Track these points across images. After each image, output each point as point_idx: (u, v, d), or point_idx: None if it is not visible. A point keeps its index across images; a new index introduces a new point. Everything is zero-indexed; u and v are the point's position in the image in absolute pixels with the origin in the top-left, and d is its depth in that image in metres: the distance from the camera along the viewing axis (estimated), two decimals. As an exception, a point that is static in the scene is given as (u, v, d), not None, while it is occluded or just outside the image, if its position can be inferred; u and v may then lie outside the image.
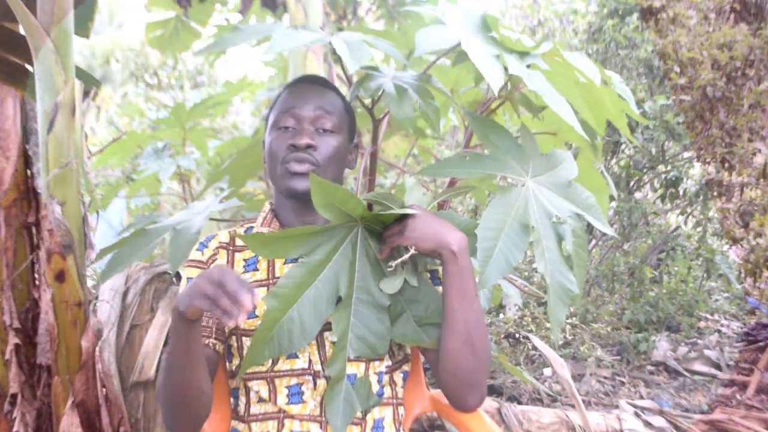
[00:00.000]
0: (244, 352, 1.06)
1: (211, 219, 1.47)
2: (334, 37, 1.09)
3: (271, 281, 1.08)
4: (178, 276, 1.68)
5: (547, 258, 0.99)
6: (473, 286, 0.99)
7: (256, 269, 1.09)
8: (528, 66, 1.05)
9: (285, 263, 1.09)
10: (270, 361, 1.05)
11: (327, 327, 1.03)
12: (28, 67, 1.68)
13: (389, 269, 1.00)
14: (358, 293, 1.00)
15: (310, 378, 1.04)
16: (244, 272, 1.09)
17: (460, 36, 1.05)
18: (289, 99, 1.11)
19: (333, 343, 1.01)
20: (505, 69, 1.03)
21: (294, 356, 1.05)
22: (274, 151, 1.08)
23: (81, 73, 1.69)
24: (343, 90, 1.22)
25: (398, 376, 1.11)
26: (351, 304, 0.99)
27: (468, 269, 0.98)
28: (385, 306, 1.00)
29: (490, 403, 2.36)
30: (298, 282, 0.97)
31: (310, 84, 1.13)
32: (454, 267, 0.98)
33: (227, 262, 1.10)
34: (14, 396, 1.58)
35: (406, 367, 1.13)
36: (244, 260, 1.10)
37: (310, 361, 1.04)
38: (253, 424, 1.06)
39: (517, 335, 3.26)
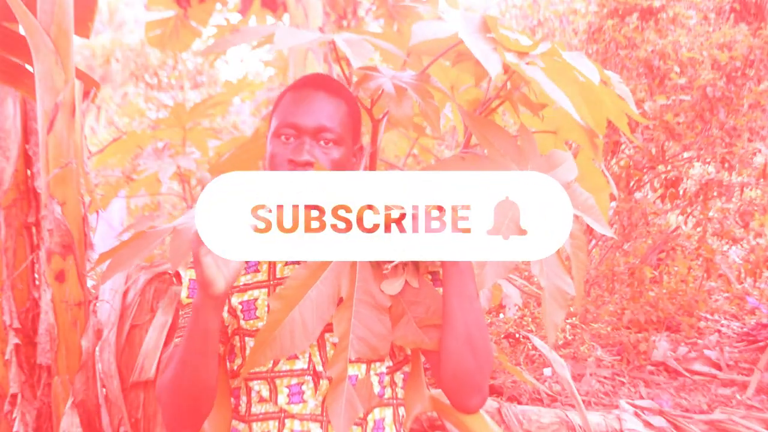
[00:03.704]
0: (247, 351, 1.06)
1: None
2: (336, 35, 1.09)
3: (272, 282, 1.08)
4: (177, 276, 1.68)
5: (542, 260, 0.99)
6: (473, 287, 0.99)
7: (257, 270, 1.09)
8: (527, 64, 1.05)
9: (286, 264, 1.09)
10: (270, 361, 1.05)
11: (328, 328, 1.03)
12: (28, 67, 1.68)
13: (386, 270, 1.00)
14: (358, 294, 1.00)
15: (310, 378, 1.04)
16: (245, 273, 1.09)
17: (458, 28, 1.05)
18: (291, 106, 1.07)
19: (334, 344, 1.01)
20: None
21: (294, 356, 1.05)
22: (274, 163, 1.06)
23: (80, 74, 1.69)
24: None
25: (398, 377, 1.11)
26: (352, 305, 0.99)
27: (468, 271, 0.98)
28: (386, 307, 1.00)
29: (490, 403, 2.36)
30: (300, 283, 0.97)
31: (314, 89, 1.08)
32: (453, 269, 0.98)
33: None
34: (14, 396, 1.58)
35: (406, 368, 1.13)
36: (245, 261, 1.10)
37: (311, 362, 1.05)
38: (253, 424, 1.06)
39: (517, 335, 3.25)
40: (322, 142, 1.05)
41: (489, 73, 0.97)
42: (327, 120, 1.05)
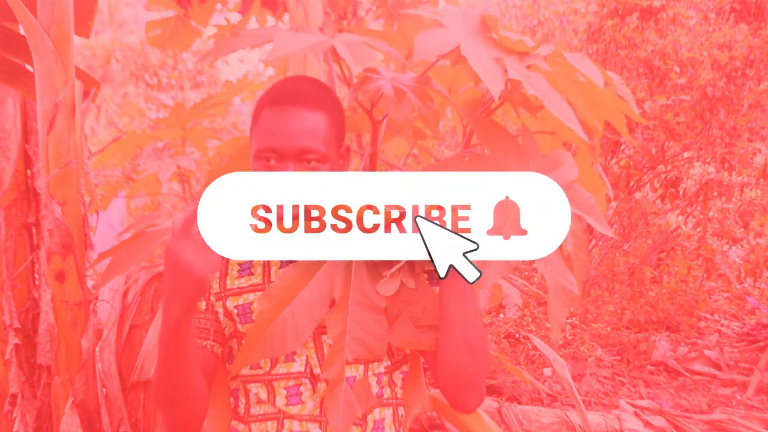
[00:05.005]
0: (245, 353, 1.06)
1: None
2: (335, 40, 1.08)
3: (266, 285, 1.07)
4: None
5: (546, 259, 0.99)
6: (471, 287, 0.99)
7: (251, 273, 1.09)
8: (528, 66, 1.05)
9: (280, 266, 1.08)
10: (268, 364, 1.05)
11: (324, 330, 1.03)
12: (28, 67, 1.68)
13: (385, 276, 1.00)
14: (354, 295, 0.99)
15: (308, 381, 1.04)
16: (239, 276, 1.09)
17: (460, 39, 1.05)
18: (270, 127, 1.02)
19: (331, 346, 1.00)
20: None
21: (291, 359, 1.05)
22: None
23: (80, 74, 1.69)
24: (343, 90, 1.21)
25: (397, 377, 1.11)
26: (347, 306, 0.99)
27: (466, 270, 0.98)
28: (382, 308, 1.00)
29: (490, 403, 2.36)
30: (292, 283, 0.97)
31: (291, 105, 1.02)
32: (451, 267, 0.98)
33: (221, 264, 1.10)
34: (14, 396, 1.58)
35: (405, 367, 1.13)
36: (239, 264, 1.10)
37: (308, 364, 1.05)
38: (252, 425, 1.06)
39: (517, 335, 3.25)
40: (305, 162, 1.02)
41: (491, 93, 0.97)
42: (309, 141, 1.01)
